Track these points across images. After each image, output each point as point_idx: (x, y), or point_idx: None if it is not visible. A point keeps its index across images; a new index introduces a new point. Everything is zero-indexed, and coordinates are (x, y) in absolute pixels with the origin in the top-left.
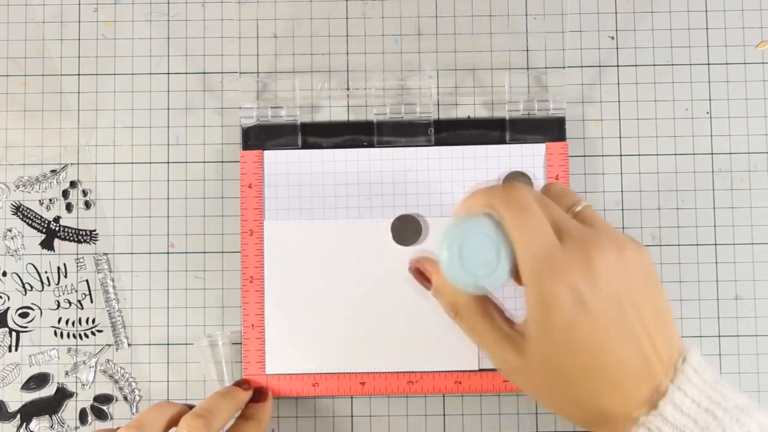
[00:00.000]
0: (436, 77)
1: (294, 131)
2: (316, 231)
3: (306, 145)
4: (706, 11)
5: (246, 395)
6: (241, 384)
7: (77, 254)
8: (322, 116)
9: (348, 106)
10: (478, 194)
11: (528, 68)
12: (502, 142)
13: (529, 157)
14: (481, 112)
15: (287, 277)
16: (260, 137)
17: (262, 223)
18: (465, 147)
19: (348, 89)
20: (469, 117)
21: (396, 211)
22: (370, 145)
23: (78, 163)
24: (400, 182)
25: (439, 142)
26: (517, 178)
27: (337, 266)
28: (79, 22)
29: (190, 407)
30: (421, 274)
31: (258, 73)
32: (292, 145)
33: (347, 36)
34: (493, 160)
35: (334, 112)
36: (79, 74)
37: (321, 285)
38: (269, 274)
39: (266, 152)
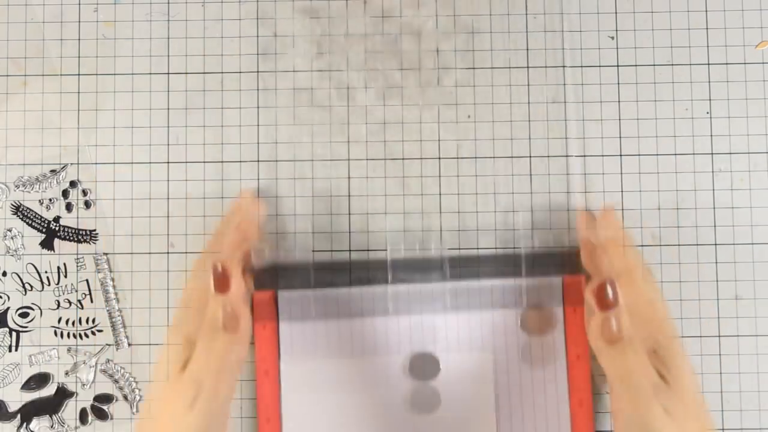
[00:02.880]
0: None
1: (307, 271)
2: (334, 369)
3: (319, 284)
4: (706, 11)
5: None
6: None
7: (77, 254)
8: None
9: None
10: None
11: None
12: (518, 276)
13: (547, 289)
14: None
15: (306, 414)
16: (273, 279)
17: (278, 364)
18: (482, 281)
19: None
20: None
21: (413, 347)
22: (385, 283)
23: (78, 163)
24: (416, 318)
25: (453, 277)
26: (536, 313)
27: (352, 403)
28: (79, 22)
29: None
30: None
31: (258, 72)
32: (305, 286)
33: (347, 35)
34: (510, 295)
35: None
36: (79, 74)
37: (338, 421)
38: (286, 413)
39: (280, 292)
